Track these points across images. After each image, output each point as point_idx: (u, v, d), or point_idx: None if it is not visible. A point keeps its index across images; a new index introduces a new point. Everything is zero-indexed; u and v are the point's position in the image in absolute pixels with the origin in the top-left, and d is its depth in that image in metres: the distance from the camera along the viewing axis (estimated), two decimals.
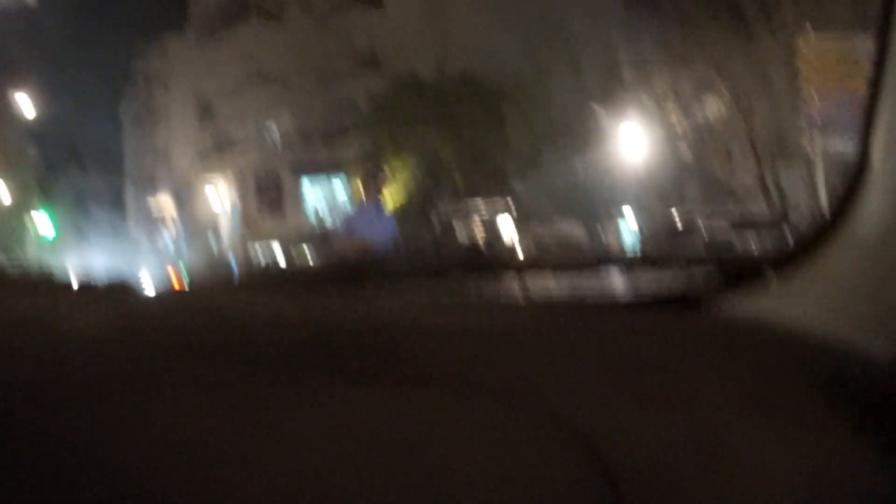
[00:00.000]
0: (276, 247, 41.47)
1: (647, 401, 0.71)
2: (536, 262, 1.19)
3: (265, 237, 42.14)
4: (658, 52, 22.66)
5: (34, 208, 46.88)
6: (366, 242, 7.73)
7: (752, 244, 13.25)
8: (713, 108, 21.01)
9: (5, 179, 36.20)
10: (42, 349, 0.74)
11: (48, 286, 1.12)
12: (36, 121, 46.07)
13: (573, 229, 23.81)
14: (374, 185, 8.06)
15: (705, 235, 13.88)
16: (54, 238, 54.08)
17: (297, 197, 44.73)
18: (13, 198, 38.35)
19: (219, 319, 0.84)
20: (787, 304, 0.88)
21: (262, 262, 37.93)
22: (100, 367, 0.71)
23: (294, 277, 1.13)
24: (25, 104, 36.84)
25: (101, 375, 0.70)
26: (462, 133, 31.43)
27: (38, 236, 50.61)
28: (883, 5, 0.87)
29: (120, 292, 1.04)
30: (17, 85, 36.02)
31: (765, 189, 20.77)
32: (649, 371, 0.75)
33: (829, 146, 14.75)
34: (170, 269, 47.40)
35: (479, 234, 27.90)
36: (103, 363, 0.72)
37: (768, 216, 16.84)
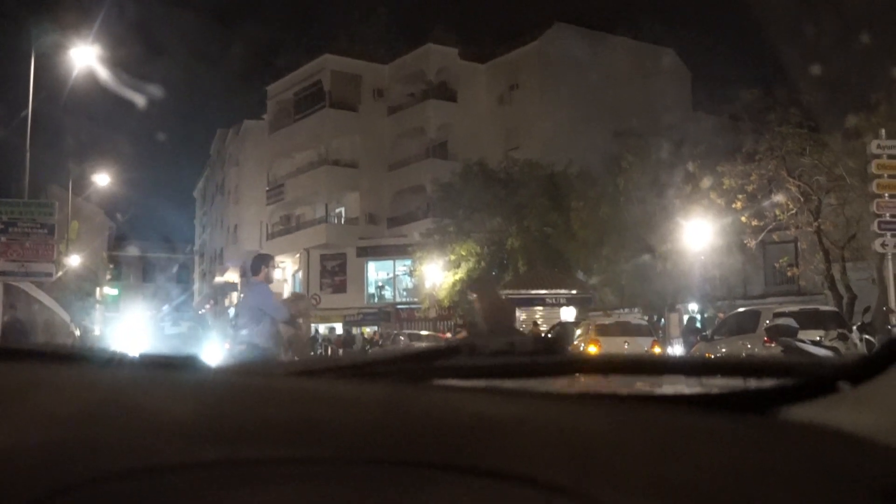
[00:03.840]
0: (339, 327, 41.95)
1: (705, 500, 0.71)
2: (610, 359, 1.18)
3: (328, 316, 42.61)
4: (728, 150, 22.83)
5: (105, 282, 48.21)
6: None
7: (819, 342, 13.22)
8: (782, 205, 20.96)
9: (80, 254, 37.11)
10: (130, 429, 0.75)
11: (123, 364, 1.15)
12: (113, 199, 47.78)
13: (637, 322, 23.75)
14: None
15: (768, 333, 13.94)
16: (118, 304, 55.17)
17: (362, 278, 45.37)
18: (87, 273, 39.18)
19: (293, 403, 0.84)
20: (859, 413, 0.86)
21: (324, 341, 38.28)
22: (185, 449, 0.72)
23: (366, 365, 1.10)
24: (104, 182, 38.20)
25: (188, 457, 0.71)
26: (527, 222, 31.71)
27: (106, 305, 51.83)
28: None
29: (194, 371, 1.06)
30: (98, 164, 37.31)
31: (833, 287, 20.70)
32: (710, 471, 0.75)
33: None
34: (233, 345, 48.10)
35: (543, 323, 27.78)
36: (189, 444, 0.72)
37: (837, 314, 16.72)
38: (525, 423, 0.81)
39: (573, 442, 0.78)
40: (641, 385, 1.26)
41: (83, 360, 1.14)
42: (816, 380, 0.92)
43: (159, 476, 0.69)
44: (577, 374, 1.21)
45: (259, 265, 8.09)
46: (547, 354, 1.16)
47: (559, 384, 1.20)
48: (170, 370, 1.08)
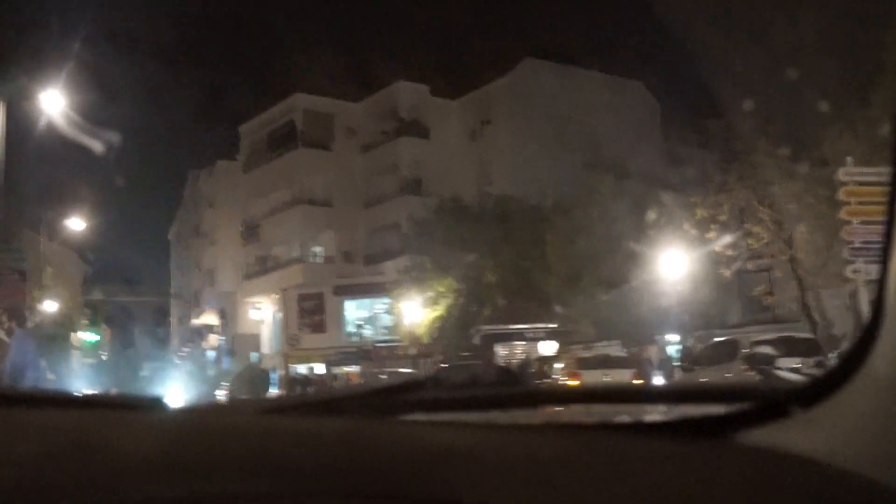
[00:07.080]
0: (319, 367, 41.64)
1: None
2: (573, 390, 1.23)
3: (307, 356, 42.36)
4: (699, 180, 23.04)
5: (81, 328, 47.63)
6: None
7: (795, 367, 13.30)
8: (755, 234, 21.12)
9: (56, 300, 36.65)
10: (92, 468, 0.76)
11: (94, 405, 1.18)
12: (87, 243, 47.33)
13: (617, 354, 23.76)
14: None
15: (746, 361, 14.02)
16: (97, 349, 54.66)
17: (340, 317, 45.11)
18: (62, 318, 38.67)
19: (257, 440, 0.85)
20: (810, 436, 0.88)
21: (303, 382, 38.00)
22: (147, 486, 0.73)
23: (333, 401, 1.11)
24: (78, 226, 37.80)
25: (150, 494, 0.72)
26: (503, 256, 31.75)
27: (83, 351, 51.19)
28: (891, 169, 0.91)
29: (159, 411, 1.08)
30: (71, 209, 36.88)
31: (808, 314, 20.83)
32: (663, 494, 0.76)
33: (871, 273, 14.88)
34: (212, 386, 47.66)
35: (520, 357, 27.78)
36: (151, 482, 0.74)
37: (813, 341, 16.83)
38: (485, 455, 0.82)
39: (532, 471, 0.80)
40: (603, 414, 1.28)
41: (49, 402, 1.13)
42: (769, 404, 0.95)
43: None
44: (541, 405, 1.23)
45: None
46: (509, 386, 1.18)
47: (523, 415, 1.22)
48: (134, 410, 1.09)
